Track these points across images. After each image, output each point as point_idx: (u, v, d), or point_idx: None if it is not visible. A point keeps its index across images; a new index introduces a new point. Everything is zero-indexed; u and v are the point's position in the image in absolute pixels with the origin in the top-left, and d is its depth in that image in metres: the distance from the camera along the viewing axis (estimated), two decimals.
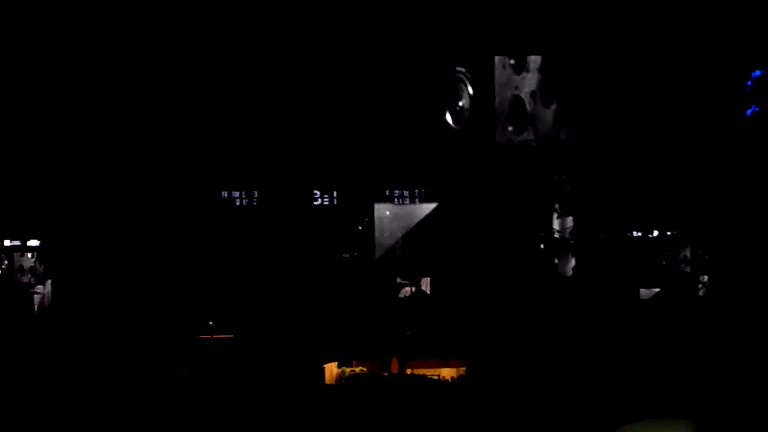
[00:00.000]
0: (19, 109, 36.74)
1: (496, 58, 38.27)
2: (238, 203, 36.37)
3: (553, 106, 37.78)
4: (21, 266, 42.41)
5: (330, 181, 37.64)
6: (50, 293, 37.57)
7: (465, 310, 33.21)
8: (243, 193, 36.51)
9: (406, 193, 38.33)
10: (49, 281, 38.11)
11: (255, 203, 36.52)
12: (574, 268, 32.61)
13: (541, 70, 38.11)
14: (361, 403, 24.63)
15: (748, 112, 31.85)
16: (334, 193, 37.79)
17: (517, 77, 38.45)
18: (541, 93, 38.03)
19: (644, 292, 34.56)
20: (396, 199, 38.17)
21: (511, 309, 32.64)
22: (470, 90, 38.62)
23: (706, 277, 34.59)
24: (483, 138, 37.69)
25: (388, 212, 37.57)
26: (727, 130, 31.56)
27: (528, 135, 37.94)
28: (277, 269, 35.84)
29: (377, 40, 38.11)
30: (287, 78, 37.30)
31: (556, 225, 33.40)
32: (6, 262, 42.95)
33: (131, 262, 35.86)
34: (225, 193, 36.29)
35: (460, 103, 38.51)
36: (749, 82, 31.84)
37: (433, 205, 38.24)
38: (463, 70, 38.76)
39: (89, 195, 36.33)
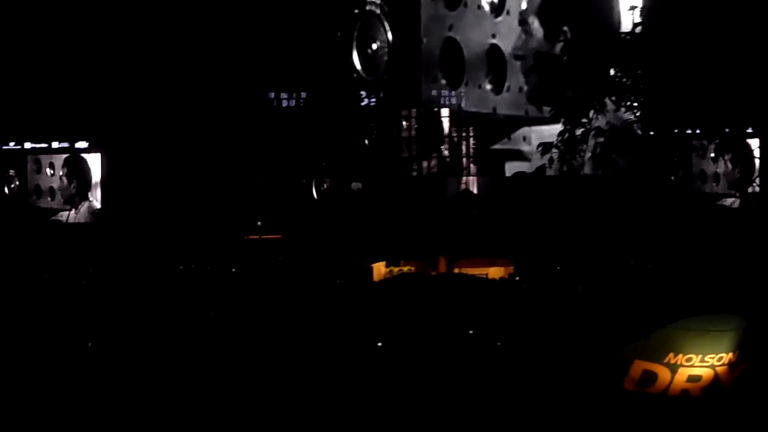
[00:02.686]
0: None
1: None
2: (285, 104, 36.04)
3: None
4: (37, 186, 34.81)
5: None
6: (84, 216, 35.64)
7: (512, 210, 33.09)
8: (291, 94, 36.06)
9: None
10: (85, 204, 35.63)
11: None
12: (629, 166, 31.71)
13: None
14: (408, 301, 24.70)
15: None
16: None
17: (451, 13, 31.77)
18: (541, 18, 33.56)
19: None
20: None
21: (560, 206, 32.43)
22: (388, 29, 32.14)
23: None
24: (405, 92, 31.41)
25: None
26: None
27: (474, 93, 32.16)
28: (324, 170, 35.72)
29: None
30: None
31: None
32: (17, 180, 34.19)
33: (180, 165, 35.85)
34: (272, 94, 35.87)
35: (374, 46, 32.66)
36: None
37: None
38: (377, 1, 31.92)
39: (135, 97, 36.22)
